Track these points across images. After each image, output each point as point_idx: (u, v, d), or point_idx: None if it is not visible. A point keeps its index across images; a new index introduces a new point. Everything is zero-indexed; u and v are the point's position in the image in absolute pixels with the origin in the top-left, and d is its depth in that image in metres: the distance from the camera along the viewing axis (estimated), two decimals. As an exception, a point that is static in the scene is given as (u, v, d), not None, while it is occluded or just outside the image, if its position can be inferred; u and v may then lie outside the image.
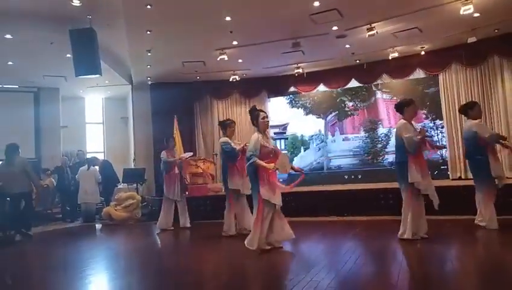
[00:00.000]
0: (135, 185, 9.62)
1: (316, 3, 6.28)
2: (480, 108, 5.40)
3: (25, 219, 6.82)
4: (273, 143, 4.56)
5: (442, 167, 9.15)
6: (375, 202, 7.12)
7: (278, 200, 4.32)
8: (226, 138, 5.77)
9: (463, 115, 5.58)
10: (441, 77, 9.30)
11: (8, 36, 7.18)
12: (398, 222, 4.65)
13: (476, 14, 6.72)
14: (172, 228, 6.90)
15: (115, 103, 12.61)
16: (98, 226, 8.45)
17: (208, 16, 6.63)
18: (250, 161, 4.30)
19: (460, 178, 8.77)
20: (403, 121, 4.64)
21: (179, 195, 6.84)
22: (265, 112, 4.58)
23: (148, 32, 7.09)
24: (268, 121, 4.53)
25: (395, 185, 4.92)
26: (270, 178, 4.31)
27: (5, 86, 10.48)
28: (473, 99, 8.81)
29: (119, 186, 9.84)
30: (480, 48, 8.28)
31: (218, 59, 8.29)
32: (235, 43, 7.94)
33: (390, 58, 8.76)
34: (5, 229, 6.62)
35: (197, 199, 8.07)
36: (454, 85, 9.13)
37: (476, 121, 5.13)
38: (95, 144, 12.44)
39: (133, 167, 10.82)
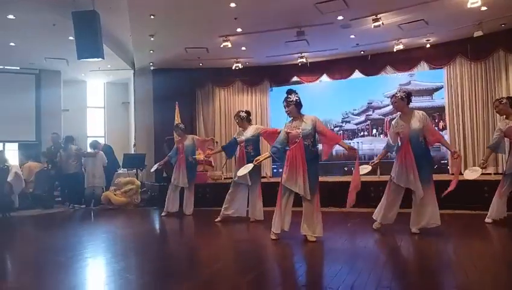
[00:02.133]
0: (135, 170, 9.62)
1: (322, -8, 6.21)
2: None
3: (78, 194, 8.56)
4: (304, 127, 4.25)
5: (442, 162, 9.15)
6: (375, 194, 7.13)
7: (297, 189, 4.20)
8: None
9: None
10: (445, 71, 9.24)
11: (11, 16, 7.12)
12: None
13: (483, 8, 6.65)
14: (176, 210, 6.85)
15: (117, 88, 12.56)
16: (95, 209, 8.46)
17: (212, 1, 6.55)
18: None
19: (460, 173, 8.73)
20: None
21: (186, 182, 6.74)
22: (284, 102, 4.36)
23: (152, 17, 7.02)
24: (285, 107, 4.34)
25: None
26: (292, 165, 4.22)
27: (6, 68, 10.43)
28: (477, 94, 8.83)
29: (119, 171, 9.84)
30: (485, 42, 8.21)
31: (222, 46, 8.23)
32: (239, 30, 7.86)
33: (395, 50, 8.69)
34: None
35: (196, 186, 8.05)
36: (458, 79, 9.08)
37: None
38: (96, 128, 12.42)
39: (133, 152, 10.82)
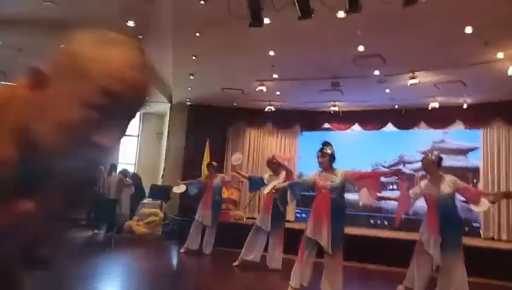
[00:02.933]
0: (159, 201, 9.74)
1: (361, 48, 6.33)
2: None
3: (110, 220, 8.74)
4: (334, 180, 4.25)
5: (474, 225, 8.76)
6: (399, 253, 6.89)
7: (322, 242, 4.13)
8: None
9: None
10: (481, 132, 9.04)
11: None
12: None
13: (525, 75, 6.55)
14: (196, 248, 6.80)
15: (153, 119, 12.98)
16: (117, 237, 8.53)
17: (252, 48, 6.80)
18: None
19: (493, 239, 8.37)
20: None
21: (210, 220, 6.74)
22: (319, 152, 4.40)
23: (194, 58, 7.34)
24: (318, 157, 4.38)
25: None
26: (317, 216, 4.19)
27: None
28: (514, 159, 8.54)
29: (144, 201, 10.00)
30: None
31: (257, 90, 8.45)
32: (275, 76, 8.08)
33: (430, 108, 8.62)
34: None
35: (218, 224, 8.04)
36: (495, 142, 8.83)
37: None
38: (127, 156, 12.76)
39: (160, 183, 10.99)
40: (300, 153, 10.95)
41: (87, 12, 6.44)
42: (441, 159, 4.46)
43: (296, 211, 10.34)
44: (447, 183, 4.33)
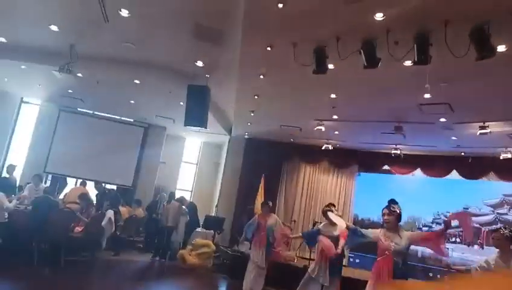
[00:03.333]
0: (212, 231, 9.87)
1: (427, 96, 6.12)
2: None
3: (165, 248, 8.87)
4: (399, 243, 4.06)
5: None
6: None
7: None
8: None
9: None
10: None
11: (137, 81, 8.19)
12: None
13: None
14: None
15: (212, 148, 13.35)
16: (169, 265, 8.69)
17: (314, 90, 6.84)
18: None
19: None
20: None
21: (264, 261, 6.65)
22: (387, 209, 4.20)
23: (256, 97, 7.52)
24: (385, 214, 4.19)
25: None
26: (379, 279, 4.00)
27: (122, 118, 11.82)
28: None
29: (197, 230, 10.18)
30: None
31: (315, 129, 8.42)
32: (335, 117, 8.02)
33: (501, 158, 8.05)
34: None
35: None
36: None
37: None
38: (185, 183, 13.18)
39: (214, 213, 11.17)
40: (356, 193, 10.66)
41: (161, 53, 6.92)
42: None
43: (350, 255, 9.99)
44: None
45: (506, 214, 8.86)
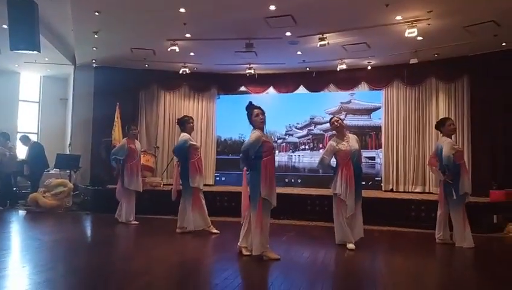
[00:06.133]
0: (68, 171, 9.09)
1: (272, 7, 6.30)
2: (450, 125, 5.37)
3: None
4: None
5: (376, 179, 9.64)
6: (311, 207, 7.38)
7: (274, 201, 4.26)
8: (188, 135, 5.71)
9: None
10: (383, 92, 9.79)
11: None
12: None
13: (419, 38, 7.13)
14: (137, 222, 6.39)
15: (55, 83, 11.82)
16: (22, 212, 7.86)
17: (161, 4, 6.41)
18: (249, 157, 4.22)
19: (392, 190, 9.31)
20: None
21: (141, 186, 6.52)
22: (260, 109, 4.41)
23: (97, 14, 6.71)
24: (262, 119, 4.36)
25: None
26: (272, 177, 4.25)
27: None
28: (410, 117, 9.44)
29: (50, 172, 9.25)
30: (420, 69, 8.81)
31: (169, 50, 8.06)
32: (187, 35, 7.75)
33: (338, 69, 9.05)
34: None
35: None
36: (394, 101, 9.66)
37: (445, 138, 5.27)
38: (28, 124, 11.57)
39: (68, 152, 10.22)
40: (218, 116, 10.92)
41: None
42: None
43: (216, 174, 10.54)
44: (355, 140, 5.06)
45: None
